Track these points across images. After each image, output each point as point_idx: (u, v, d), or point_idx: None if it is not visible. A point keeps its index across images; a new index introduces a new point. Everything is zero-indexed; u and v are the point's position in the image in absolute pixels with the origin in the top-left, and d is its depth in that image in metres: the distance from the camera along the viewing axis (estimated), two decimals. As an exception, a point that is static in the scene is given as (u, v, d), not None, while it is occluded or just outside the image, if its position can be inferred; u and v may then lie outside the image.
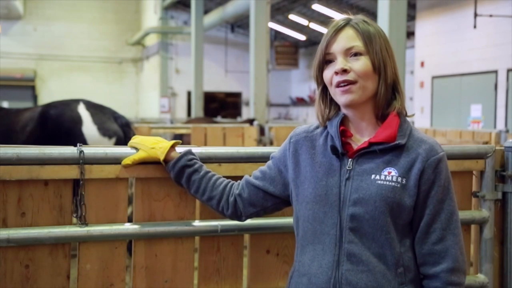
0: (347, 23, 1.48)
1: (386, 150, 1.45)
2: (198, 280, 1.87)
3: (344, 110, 1.52)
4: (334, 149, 1.49)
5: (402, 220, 1.44)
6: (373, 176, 1.44)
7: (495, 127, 9.92)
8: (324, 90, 1.55)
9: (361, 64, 1.44)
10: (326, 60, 1.50)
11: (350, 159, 1.47)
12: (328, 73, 1.49)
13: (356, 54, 1.45)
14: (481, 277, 2.08)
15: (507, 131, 6.16)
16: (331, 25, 1.50)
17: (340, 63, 1.45)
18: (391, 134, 1.45)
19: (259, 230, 1.88)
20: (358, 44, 1.45)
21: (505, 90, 10.39)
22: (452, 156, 2.03)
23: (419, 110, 12.86)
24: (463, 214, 2.08)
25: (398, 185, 1.42)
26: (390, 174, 1.43)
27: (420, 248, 1.47)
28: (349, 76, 1.44)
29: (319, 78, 1.53)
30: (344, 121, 1.53)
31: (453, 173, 2.06)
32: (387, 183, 1.42)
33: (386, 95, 1.48)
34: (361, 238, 1.43)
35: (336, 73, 1.45)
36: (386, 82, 1.47)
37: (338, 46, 1.46)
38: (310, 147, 1.56)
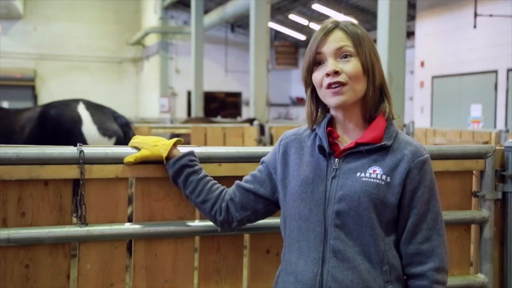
0: (336, 25, 1.51)
1: (372, 150, 1.48)
2: (198, 280, 1.87)
3: (332, 112, 1.55)
4: (321, 148, 1.52)
5: (386, 218, 1.46)
6: (358, 174, 1.46)
7: (495, 127, 9.92)
8: (313, 92, 1.57)
9: (352, 65, 1.47)
10: (316, 62, 1.51)
11: (336, 159, 1.50)
12: (318, 75, 1.51)
13: (346, 56, 1.48)
14: (481, 277, 2.08)
15: (507, 131, 6.16)
16: (319, 28, 1.53)
17: (331, 64, 1.47)
18: (378, 135, 1.48)
19: (259, 230, 1.88)
20: (348, 44, 1.48)
21: (505, 90, 10.39)
22: (452, 156, 2.03)
23: (419, 110, 12.87)
24: (463, 214, 2.08)
25: (382, 183, 1.44)
26: (375, 172, 1.45)
27: (406, 248, 1.49)
28: (341, 78, 1.46)
29: (308, 80, 1.55)
30: (331, 122, 1.56)
31: (453, 173, 2.07)
32: (372, 180, 1.44)
33: (374, 97, 1.51)
34: (346, 235, 1.44)
35: (328, 74, 1.47)
36: (374, 84, 1.50)
37: (328, 48, 1.48)
38: (299, 148, 1.59)
